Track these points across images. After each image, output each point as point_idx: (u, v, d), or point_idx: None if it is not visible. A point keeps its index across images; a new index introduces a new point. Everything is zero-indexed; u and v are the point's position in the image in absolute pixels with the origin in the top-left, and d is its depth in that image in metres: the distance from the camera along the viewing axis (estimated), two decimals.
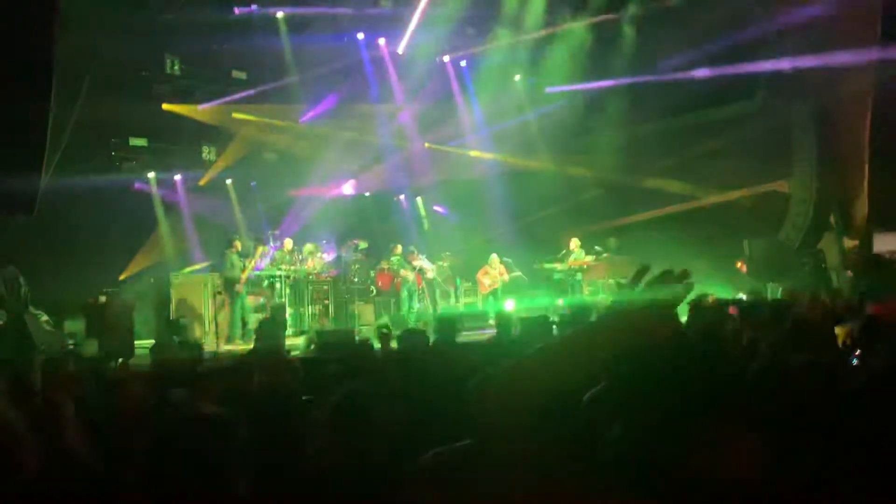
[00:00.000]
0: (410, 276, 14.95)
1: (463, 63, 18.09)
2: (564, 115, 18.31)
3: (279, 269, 13.73)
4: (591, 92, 17.78)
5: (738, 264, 16.45)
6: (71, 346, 9.52)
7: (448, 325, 6.66)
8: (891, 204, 13.83)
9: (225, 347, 11.41)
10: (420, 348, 5.75)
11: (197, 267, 14.86)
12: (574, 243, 15.66)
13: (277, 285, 13.77)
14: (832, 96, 14.82)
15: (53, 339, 9.51)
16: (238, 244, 12.93)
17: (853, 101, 14.25)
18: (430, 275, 15.50)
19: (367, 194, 18.52)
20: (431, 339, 6.45)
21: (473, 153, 18.85)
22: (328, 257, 14.91)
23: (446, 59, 17.82)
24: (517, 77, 18.40)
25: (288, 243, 14.19)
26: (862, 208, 14.79)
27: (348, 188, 18.13)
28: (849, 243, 15.16)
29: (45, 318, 10.37)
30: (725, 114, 15.55)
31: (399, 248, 15.28)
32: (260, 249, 13.68)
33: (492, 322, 13.51)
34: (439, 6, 15.68)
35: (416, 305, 15.03)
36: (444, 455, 2.55)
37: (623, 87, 16.94)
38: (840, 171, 15.18)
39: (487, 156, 18.72)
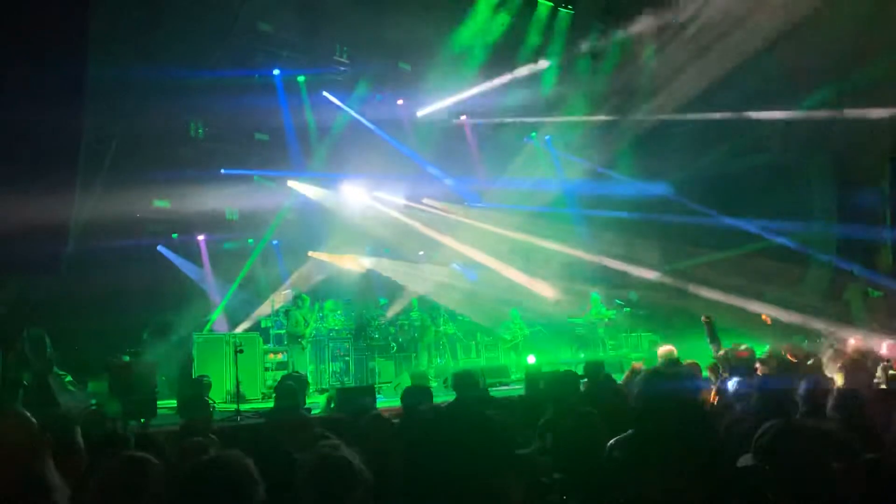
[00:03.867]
0: (431, 330, 14.95)
1: (479, 122, 18.34)
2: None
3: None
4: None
5: (763, 316, 16.27)
6: (94, 407, 9.54)
7: (467, 380, 6.53)
8: None
9: (249, 406, 11.38)
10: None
11: (210, 316, 15.06)
12: (594, 298, 15.61)
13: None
14: (851, 147, 14.85)
15: (76, 400, 9.54)
16: (302, 302, 13.49)
17: (872, 151, 14.27)
18: (450, 330, 15.49)
19: (387, 250, 18.61)
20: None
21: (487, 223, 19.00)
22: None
23: (463, 118, 18.11)
24: (533, 135, 18.63)
25: (308, 301, 14.30)
26: (886, 258, 14.65)
27: (367, 262, 18.18)
28: (873, 293, 14.97)
29: (68, 378, 10.44)
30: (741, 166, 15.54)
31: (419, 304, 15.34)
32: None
33: (516, 377, 13.51)
34: (457, 67, 15.99)
35: (437, 360, 14.98)
36: None
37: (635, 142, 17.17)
38: (862, 221, 15.10)
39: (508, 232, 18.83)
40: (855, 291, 15.33)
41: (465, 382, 6.36)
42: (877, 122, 13.60)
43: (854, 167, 15.04)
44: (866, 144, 14.20)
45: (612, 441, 3.72)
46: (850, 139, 14.59)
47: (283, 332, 14.08)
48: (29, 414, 3.05)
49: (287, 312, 13.39)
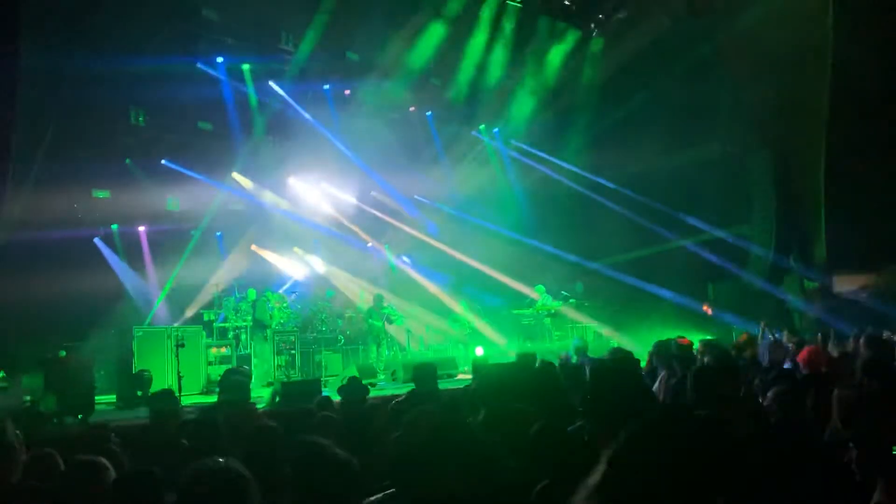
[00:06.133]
0: (378, 323, 14.87)
1: (428, 114, 18.25)
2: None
3: (244, 321, 13.60)
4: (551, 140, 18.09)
5: (705, 307, 16.70)
6: (28, 403, 9.24)
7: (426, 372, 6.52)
8: (848, 246, 14.18)
9: (190, 400, 11.16)
10: None
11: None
12: (539, 289, 15.76)
13: (243, 336, 13.63)
14: (789, 145, 15.31)
15: (9, 396, 9.23)
16: (268, 294, 13.68)
17: (809, 148, 14.70)
18: (398, 322, 15.44)
19: (335, 241, 18.43)
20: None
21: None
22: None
23: (412, 109, 18.02)
24: (481, 128, 18.66)
25: (252, 293, 14.09)
26: (820, 250, 15.13)
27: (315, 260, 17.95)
28: (810, 284, 15.45)
29: (1, 374, 10.07)
30: (686, 161, 15.78)
31: (367, 296, 15.27)
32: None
33: (465, 369, 13.54)
34: (404, 57, 15.92)
35: (385, 353, 14.91)
36: None
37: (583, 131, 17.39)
38: (798, 216, 15.57)
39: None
40: (791, 283, 15.81)
41: (425, 375, 6.38)
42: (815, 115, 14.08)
43: (792, 160, 15.49)
44: (805, 138, 14.66)
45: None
46: (790, 133, 15.06)
47: (229, 325, 13.88)
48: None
49: (255, 303, 13.39)
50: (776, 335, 9.41)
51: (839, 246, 14.48)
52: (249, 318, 13.74)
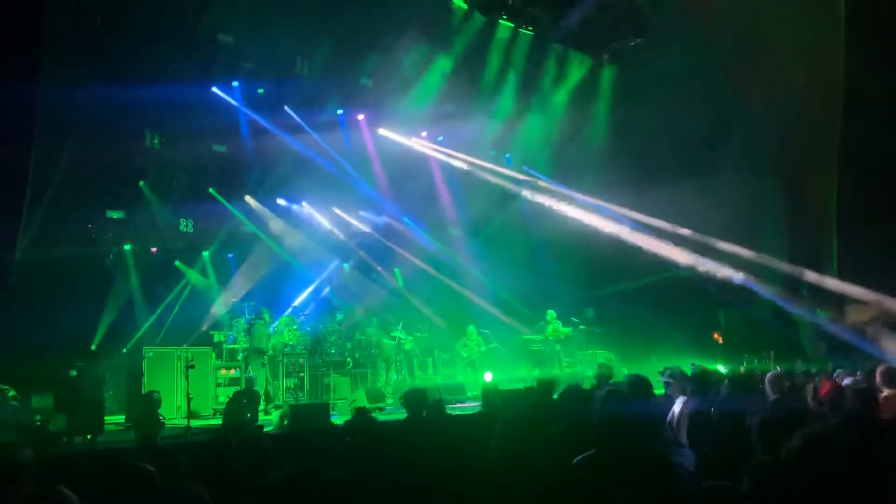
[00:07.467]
0: (388, 347, 14.87)
1: (440, 139, 18.33)
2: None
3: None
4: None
5: (715, 335, 16.60)
6: (38, 422, 9.28)
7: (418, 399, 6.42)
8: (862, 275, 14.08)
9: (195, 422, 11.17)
10: None
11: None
12: (550, 315, 15.70)
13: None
14: (801, 173, 15.29)
15: (20, 415, 9.27)
16: (266, 316, 13.46)
17: (821, 177, 14.67)
18: (407, 346, 15.42)
19: (346, 265, 18.49)
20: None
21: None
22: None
23: (423, 134, 18.12)
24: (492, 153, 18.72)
25: (269, 315, 14.12)
26: (832, 279, 15.01)
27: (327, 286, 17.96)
28: (822, 315, 15.31)
29: (12, 393, 10.13)
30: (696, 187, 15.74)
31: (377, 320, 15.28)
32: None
33: (472, 395, 13.46)
34: (417, 83, 16.07)
35: (394, 377, 14.88)
36: None
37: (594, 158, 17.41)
38: (809, 242, 15.48)
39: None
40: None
41: (416, 401, 6.29)
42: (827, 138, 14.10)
43: (804, 188, 15.46)
44: (817, 166, 14.65)
45: (576, 459, 3.72)
46: (800, 153, 15.05)
47: (238, 346, 13.90)
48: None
49: (251, 327, 13.25)
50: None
51: (852, 275, 14.37)
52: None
